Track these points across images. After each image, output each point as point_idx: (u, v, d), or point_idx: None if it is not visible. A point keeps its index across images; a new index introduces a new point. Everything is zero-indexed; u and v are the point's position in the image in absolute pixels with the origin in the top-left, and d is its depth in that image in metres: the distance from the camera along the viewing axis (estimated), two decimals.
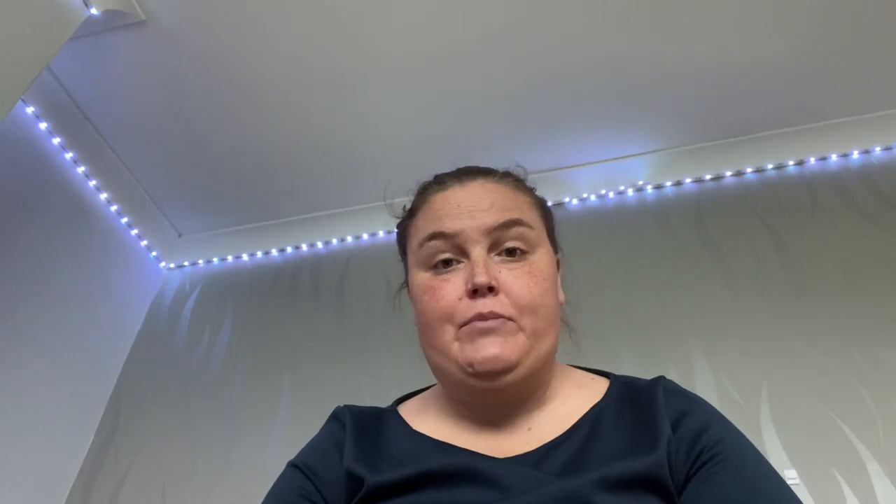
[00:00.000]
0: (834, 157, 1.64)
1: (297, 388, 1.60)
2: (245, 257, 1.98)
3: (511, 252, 0.59)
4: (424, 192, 0.67)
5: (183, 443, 1.57)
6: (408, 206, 0.70)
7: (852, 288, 1.39)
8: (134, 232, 1.90)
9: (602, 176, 1.76)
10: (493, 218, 0.59)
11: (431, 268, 0.61)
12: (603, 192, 1.75)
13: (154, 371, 1.75)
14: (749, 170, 1.68)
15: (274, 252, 1.96)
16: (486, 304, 0.56)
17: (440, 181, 0.67)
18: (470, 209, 0.60)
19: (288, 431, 1.52)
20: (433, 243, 0.60)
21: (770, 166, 1.67)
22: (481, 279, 0.56)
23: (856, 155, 1.62)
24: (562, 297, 0.65)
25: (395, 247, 0.71)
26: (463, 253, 0.59)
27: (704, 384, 1.32)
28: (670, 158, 1.75)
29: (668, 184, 1.72)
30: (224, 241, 2.01)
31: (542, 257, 0.61)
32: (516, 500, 0.49)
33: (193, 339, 1.80)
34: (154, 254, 1.98)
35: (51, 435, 1.53)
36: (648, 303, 1.49)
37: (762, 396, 1.27)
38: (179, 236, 2.05)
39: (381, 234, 1.88)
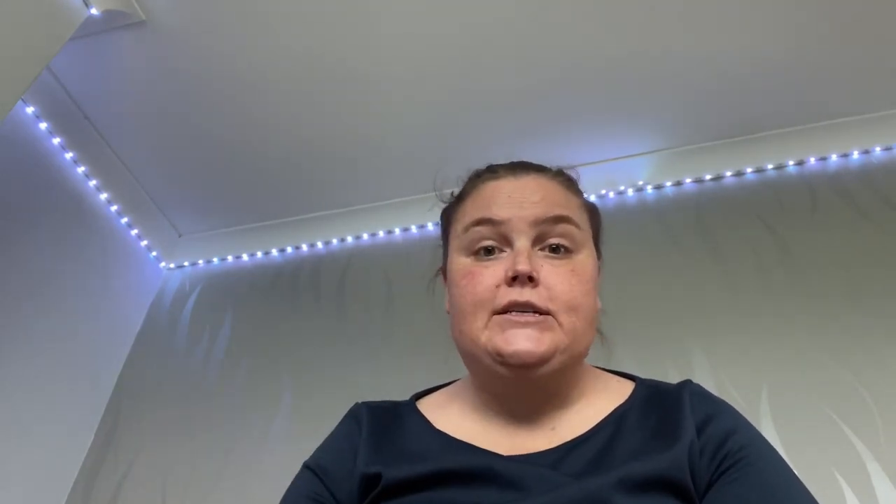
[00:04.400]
0: (834, 157, 1.63)
1: (296, 388, 1.60)
2: (245, 257, 1.98)
3: (555, 249, 0.59)
4: (476, 178, 0.67)
5: (183, 443, 1.57)
6: (455, 192, 0.70)
7: (852, 288, 1.39)
8: (134, 232, 1.90)
9: (602, 176, 1.76)
10: (541, 211, 0.59)
11: (473, 254, 0.60)
12: (603, 192, 1.75)
13: (154, 371, 1.75)
14: (749, 170, 1.68)
15: (274, 252, 1.96)
16: (523, 294, 0.55)
17: (493, 170, 0.66)
18: (520, 200, 0.60)
19: (288, 431, 1.52)
20: (478, 229, 0.60)
21: (770, 166, 1.67)
22: (523, 267, 0.55)
23: (856, 155, 1.62)
24: (598, 304, 0.65)
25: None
26: (507, 242, 0.59)
27: (704, 384, 1.30)
28: (670, 158, 1.75)
29: (668, 184, 1.72)
30: (224, 241, 2.01)
31: (586, 258, 0.60)
32: (534, 500, 0.49)
33: (193, 339, 1.80)
34: (154, 254, 1.98)
35: (51, 435, 1.53)
36: (648, 302, 1.49)
37: (762, 396, 1.27)
38: (179, 236, 2.05)
39: (381, 234, 1.88)
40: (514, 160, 0.68)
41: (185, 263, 2.01)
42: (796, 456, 1.17)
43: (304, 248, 1.94)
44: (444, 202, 0.72)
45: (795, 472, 0.51)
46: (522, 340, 0.54)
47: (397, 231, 1.86)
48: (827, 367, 1.28)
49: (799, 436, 1.20)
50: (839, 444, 1.18)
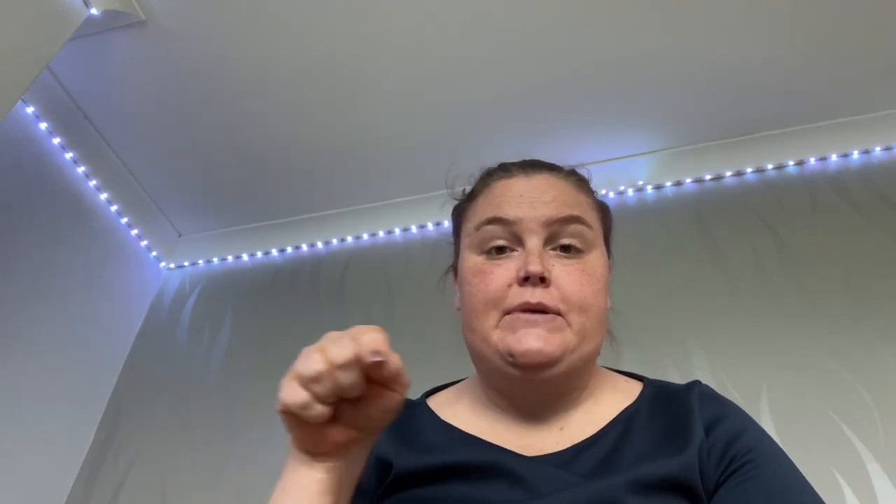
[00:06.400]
0: (834, 157, 1.63)
1: None
2: (245, 257, 1.98)
3: (566, 249, 0.59)
4: (488, 177, 0.67)
5: (183, 442, 1.57)
6: (467, 190, 0.70)
7: (853, 288, 1.39)
8: (134, 232, 1.90)
9: (602, 176, 1.75)
10: (553, 211, 0.59)
11: (484, 252, 0.60)
12: (603, 192, 1.75)
13: (154, 371, 1.75)
14: (749, 170, 1.68)
15: (274, 252, 1.96)
16: (535, 294, 0.55)
17: (505, 168, 0.66)
18: (532, 199, 0.60)
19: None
20: (490, 227, 0.60)
21: (770, 166, 1.67)
22: (535, 268, 0.55)
23: (856, 155, 1.62)
24: (609, 303, 0.64)
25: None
26: (518, 242, 0.59)
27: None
28: (670, 158, 1.75)
29: (668, 184, 1.72)
30: (224, 241, 2.01)
31: (597, 258, 0.60)
32: (544, 500, 0.49)
33: (193, 339, 1.80)
34: (154, 254, 1.98)
35: (51, 435, 1.53)
36: (648, 303, 1.49)
37: (762, 396, 1.27)
38: (179, 236, 2.05)
39: (381, 234, 1.88)
40: (526, 158, 0.68)
41: (185, 263, 2.01)
42: (796, 456, 1.16)
43: (304, 248, 1.94)
44: (456, 199, 0.72)
45: (804, 475, 0.51)
46: (533, 340, 0.54)
47: (397, 231, 1.86)
48: (827, 367, 1.28)
49: (799, 436, 1.20)
50: (839, 444, 1.18)
